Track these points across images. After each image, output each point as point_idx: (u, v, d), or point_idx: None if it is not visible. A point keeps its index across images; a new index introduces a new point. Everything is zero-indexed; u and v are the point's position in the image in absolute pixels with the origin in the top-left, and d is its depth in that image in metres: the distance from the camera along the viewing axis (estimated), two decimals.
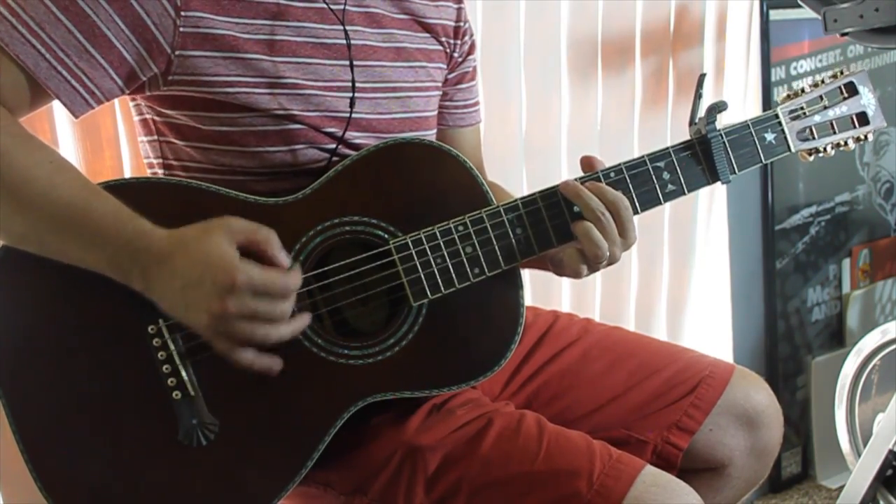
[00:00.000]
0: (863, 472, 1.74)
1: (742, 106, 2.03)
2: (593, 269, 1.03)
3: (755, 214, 2.19)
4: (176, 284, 0.88)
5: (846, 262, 2.37)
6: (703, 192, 1.99)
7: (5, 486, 1.18)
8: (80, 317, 0.95)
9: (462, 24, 1.19)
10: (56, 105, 0.96)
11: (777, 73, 2.12)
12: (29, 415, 0.93)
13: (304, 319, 0.94)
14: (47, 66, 0.90)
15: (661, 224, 1.93)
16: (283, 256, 0.91)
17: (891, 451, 1.70)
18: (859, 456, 1.79)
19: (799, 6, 1.46)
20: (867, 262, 2.41)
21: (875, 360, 1.85)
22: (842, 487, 1.79)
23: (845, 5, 1.37)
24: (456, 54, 1.20)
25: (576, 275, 1.04)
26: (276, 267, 0.89)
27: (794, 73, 2.15)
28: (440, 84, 1.18)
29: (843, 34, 1.41)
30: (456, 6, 1.19)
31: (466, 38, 1.21)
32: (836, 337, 2.40)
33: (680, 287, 1.99)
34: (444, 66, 1.18)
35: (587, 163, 1.04)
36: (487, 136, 1.59)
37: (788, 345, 2.29)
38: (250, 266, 0.87)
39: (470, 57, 1.23)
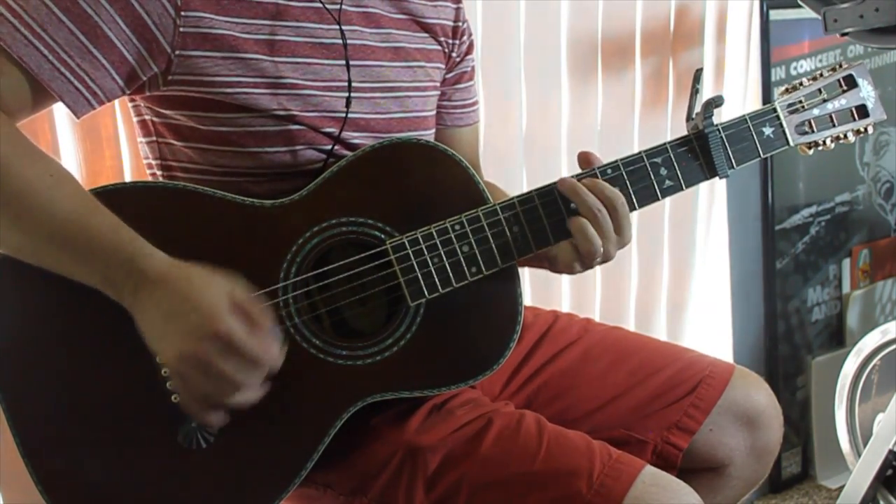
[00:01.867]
0: (863, 472, 1.73)
1: (742, 106, 2.03)
2: (586, 265, 1.03)
3: (755, 214, 2.19)
4: (161, 310, 0.87)
5: (846, 262, 2.37)
6: (703, 193, 1.99)
7: (5, 486, 1.18)
8: (80, 319, 0.94)
9: (460, 23, 1.19)
10: (56, 105, 0.96)
11: (777, 73, 2.12)
12: (28, 416, 0.93)
13: (257, 394, 0.90)
14: (50, 67, 0.90)
15: (661, 224, 1.93)
16: (273, 334, 0.89)
17: (891, 451, 1.70)
18: (859, 456, 1.79)
19: (799, 6, 1.46)
20: (867, 262, 2.41)
21: (875, 360, 1.85)
22: (842, 487, 1.79)
23: (845, 5, 1.37)
24: (454, 54, 1.20)
25: (569, 270, 1.04)
26: (261, 338, 0.88)
27: (794, 73, 2.15)
28: (438, 84, 1.18)
29: (843, 34, 1.40)
30: (454, 6, 1.19)
31: (465, 37, 1.21)
32: (836, 337, 2.39)
33: (680, 287, 1.99)
34: (443, 66, 1.18)
35: (584, 159, 1.04)
36: (487, 135, 1.59)
37: (788, 345, 2.29)
38: (237, 323, 0.86)
39: (468, 57, 1.23)
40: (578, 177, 1.02)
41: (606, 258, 1.02)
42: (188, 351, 0.86)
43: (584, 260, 1.01)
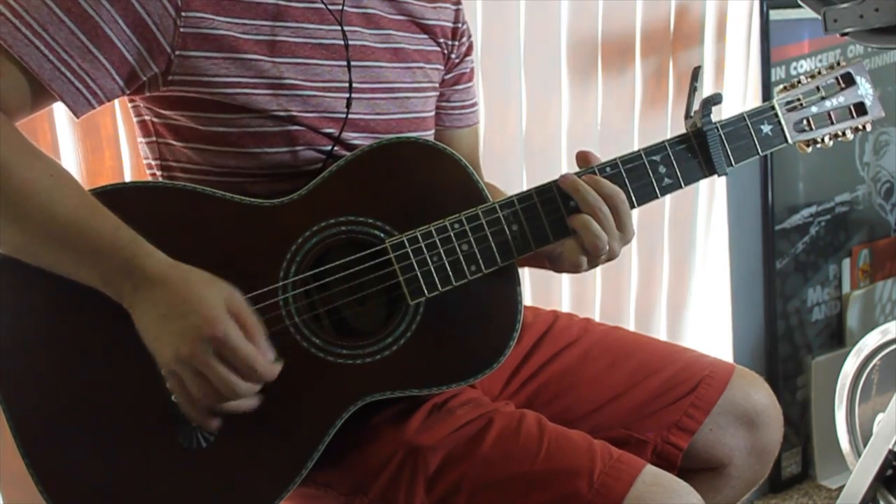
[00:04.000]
0: (863, 472, 1.73)
1: (742, 106, 2.03)
2: (593, 263, 1.02)
3: (755, 214, 2.19)
4: (158, 311, 0.87)
5: (846, 262, 2.37)
6: (703, 193, 1.99)
7: (5, 486, 1.18)
8: (80, 319, 0.95)
9: (460, 25, 1.19)
10: (56, 105, 0.96)
11: (777, 73, 2.12)
12: (28, 416, 0.93)
13: (249, 404, 0.90)
14: (51, 67, 0.90)
15: (660, 224, 1.93)
16: (265, 346, 0.89)
17: (891, 451, 1.70)
18: (859, 456, 1.79)
19: (799, 6, 1.46)
20: (867, 262, 2.41)
21: (875, 360, 1.85)
22: (842, 487, 1.79)
23: (845, 5, 1.37)
24: (453, 55, 1.20)
25: (575, 268, 1.04)
26: (256, 347, 0.88)
27: (794, 73, 2.15)
28: (437, 85, 1.18)
29: (843, 34, 1.41)
30: (454, 7, 1.19)
31: (464, 39, 1.21)
32: (836, 337, 2.39)
33: (680, 287, 1.99)
34: (442, 67, 1.18)
35: (582, 157, 1.04)
36: (487, 136, 1.59)
37: (788, 345, 2.29)
38: (233, 327, 0.87)
39: (467, 58, 1.23)
40: (577, 175, 1.02)
41: (611, 256, 1.02)
42: (184, 352, 0.86)
43: (590, 257, 1.01)
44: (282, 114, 0.99)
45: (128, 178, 1.26)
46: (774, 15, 2.08)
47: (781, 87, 1.13)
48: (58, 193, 0.89)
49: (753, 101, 2.08)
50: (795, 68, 2.15)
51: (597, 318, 1.65)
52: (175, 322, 0.87)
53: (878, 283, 2.44)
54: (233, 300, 0.89)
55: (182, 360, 0.86)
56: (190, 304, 0.87)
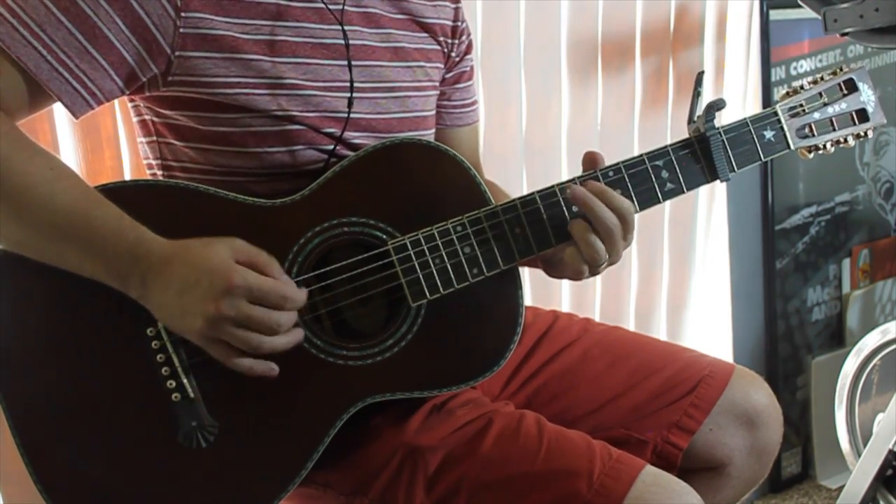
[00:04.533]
0: (863, 472, 1.73)
1: (742, 106, 2.03)
2: (594, 271, 1.02)
3: (755, 214, 2.19)
4: (173, 289, 0.88)
5: (846, 262, 2.37)
6: (703, 193, 1.99)
7: (5, 486, 1.18)
8: (80, 319, 0.95)
9: (459, 23, 1.20)
10: (56, 105, 0.96)
11: (777, 73, 2.12)
12: (28, 416, 0.93)
13: (298, 335, 0.93)
14: (49, 67, 0.90)
15: (661, 224, 1.93)
16: (285, 278, 0.91)
17: (891, 451, 1.70)
18: (859, 456, 1.79)
19: (799, 6, 1.46)
20: (867, 262, 2.41)
21: (875, 360, 1.85)
22: (842, 487, 1.79)
23: (845, 5, 1.37)
24: (453, 54, 1.20)
25: (577, 275, 1.03)
26: (275, 278, 0.90)
27: (794, 73, 2.15)
28: (437, 84, 1.18)
29: (843, 34, 1.40)
30: (454, 6, 1.19)
31: (464, 37, 1.21)
32: (836, 337, 2.39)
33: (680, 287, 1.99)
34: (442, 66, 1.18)
35: (590, 159, 1.03)
36: (487, 136, 1.59)
37: (788, 345, 2.29)
38: (248, 271, 0.88)
39: (467, 56, 1.23)
40: (581, 179, 1.01)
41: (613, 261, 1.01)
42: (211, 313, 0.86)
43: (591, 266, 1.01)
44: (282, 114, 0.99)
45: (128, 178, 1.26)
46: (774, 15, 2.08)
47: (784, 92, 1.13)
48: (59, 186, 0.89)
49: (753, 101, 2.08)
50: (795, 68, 2.15)
51: (597, 318, 1.65)
52: (191, 292, 0.87)
53: (878, 283, 2.44)
54: (237, 248, 0.89)
55: (213, 321, 0.87)
56: (198, 269, 0.87)
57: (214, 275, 0.87)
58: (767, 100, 2.09)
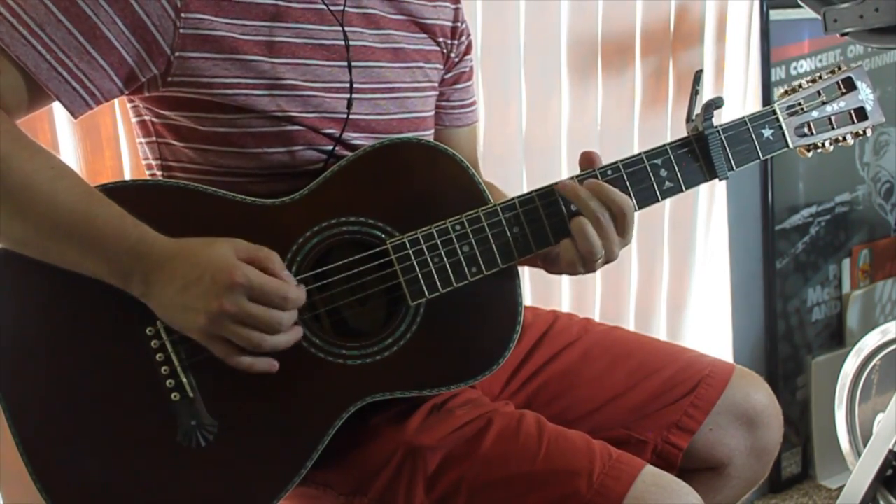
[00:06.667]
0: (863, 472, 1.73)
1: (742, 106, 2.03)
2: (588, 267, 1.02)
3: (755, 214, 2.19)
4: (176, 286, 0.88)
5: (846, 262, 2.37)
6: (704, 193, 1.99)
7: (5, 486, 1.18)
8: (80, 318, 0.95)
9: (459, 24, 1.19)
10: (56, 105, 0.96)
11: (777, 73, 2.12)
12: (28, 416, 0.93)
13: (298, 332, 0.94)
14: (48, 67, 0.90)
15: (661, 224, 1.93)
16: (286, 274, 0.91)
17: (891, 451, 1.70)
18: (859, 456, 1.79)
19: (799, 6, 1.46)
20: (867, 262, 2.41)
21: (875, 360, 1.85)
22: (842, 487, 1.79)
23: (845, 5, 1.37)
24: (453, 55, 1.20)
25: (571, 270, 1.03)
26: (276, 277, 0.90)
27: (794, 73, 2.15)
28: (437, 84, 1.18)
29: (843, 34, 1.41)
30: (453, 6, 1.19)
31: (463, 38, 1.21)
32: (836, 337, 2.39)
33: (680, 287, 1.99)
34: (441, 67, 1.18)
35: (587, 158, 1.03)
36: (487, 136, 1.59)
37: (788, 345, 2.29)
38: (250, 268, 0.88)
39: (466, 57, 1.23)
40: (579, 178, 1.02)
41: (610, 259, 1.01)
42: (214, 308, 0.87)
43: (585, 260, 1.01)
44: (282, 114, 0.99)
45: (128, 178, 1.26)
46: (774, 15, 2.08)
47: (782, 90, 1.13)
48: (60, 184, 0.90)
49: (753, 101, 2.08)
50: (795, 68, 2.15)
51: (597, 318, 1.65)
52: (194, 288, 0.87)
53: (878, 283, 2.44)
54: (239, 246, 0.90)
55: (215, 317, 0.87)
56: (200, 266, 0.88)
57: (217, 271, 0.87)
58: (767, 100, 2.09)
